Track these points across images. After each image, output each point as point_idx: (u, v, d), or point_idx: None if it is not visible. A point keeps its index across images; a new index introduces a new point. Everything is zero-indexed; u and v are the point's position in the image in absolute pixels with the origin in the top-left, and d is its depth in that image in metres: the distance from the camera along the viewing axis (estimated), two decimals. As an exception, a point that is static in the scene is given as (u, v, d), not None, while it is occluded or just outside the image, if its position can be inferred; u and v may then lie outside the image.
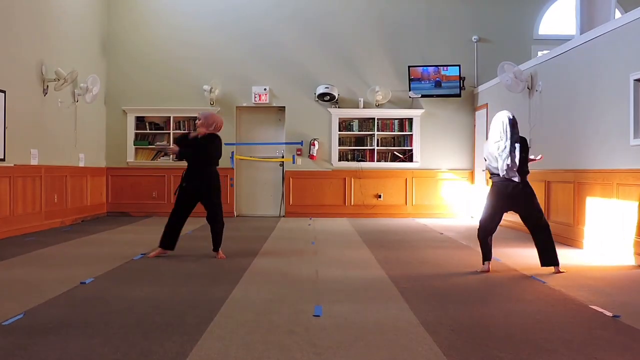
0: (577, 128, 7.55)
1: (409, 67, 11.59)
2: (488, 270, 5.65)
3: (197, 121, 6.46)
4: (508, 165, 5.44)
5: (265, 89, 11.78)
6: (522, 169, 5.55)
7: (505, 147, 5.46)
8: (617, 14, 10.30)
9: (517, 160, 5.45)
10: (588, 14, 8.81)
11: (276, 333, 3.52)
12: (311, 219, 11.40)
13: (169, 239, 6.42)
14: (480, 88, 11.52)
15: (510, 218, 9.62)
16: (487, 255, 5.72)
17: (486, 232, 5.72)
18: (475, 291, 4.76)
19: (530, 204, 5.63)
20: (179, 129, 11.91)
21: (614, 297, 4.54)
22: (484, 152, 5.73)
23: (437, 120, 11.79)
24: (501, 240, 8.08)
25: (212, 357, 3.09)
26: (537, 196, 5.71)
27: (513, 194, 5.56)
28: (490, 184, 5.76)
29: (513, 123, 5.51)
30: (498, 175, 5.56)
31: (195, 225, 9.78)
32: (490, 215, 5.70)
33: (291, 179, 11.85)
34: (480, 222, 5.78)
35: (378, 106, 11.82)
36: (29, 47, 8.88)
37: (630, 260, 6.19)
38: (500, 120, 5.55)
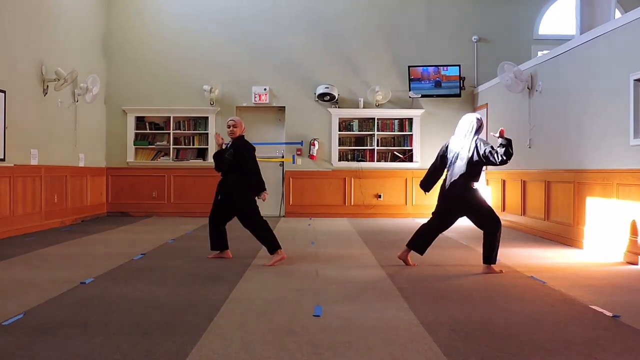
0: (577, 128, 7.55)
1: (409, 67, 11.59)
2: (406, 259, 5.91)
3: (233, 128, 6.17)
4: (463, 166, 5.55)
5: (265, 89, 11.78)
6: (469, 174, 5.57)
7: (464, 148, 5.59)
8: (617, 14, 10.30)
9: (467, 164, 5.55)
10: (588, 14, 8.81)
11: (276, 333, 3.52)
12: (311, 219, 11.40)
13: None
14: (480, 88, 11.52)
15: (510, 218, 9.64)
16: (410, 243, 5.89)
17: (426, 223, 5.89)
18: (475, 291, 4.76)
19: (472, 209, 5.64)
20: (179, 129, 11.92)
21: (614, 297, 4.54)
22: (449, 147, 5.77)
23: (437, 120, 11.79)
24: (501, 240, 8.06)
25: (212, 357, 3.09)
26: (484, 199, 5.77)
27: (453, 195, 5.64)
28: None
29: (479, 126, 5.65)
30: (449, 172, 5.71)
31: (195, 225, 9.79)
32: (437, 210, 5.86)
33: (291, 179, 11.85)
34: (432, 215, 5.93)
35: (378, 106, 11.83)
36: (29, 47, 8.88)
37: (631, 260, 6.19)
38: (464, 124, 5.71)
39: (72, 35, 10.35)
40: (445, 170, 5.84)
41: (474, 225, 5.81)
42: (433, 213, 5.93)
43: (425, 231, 5.92)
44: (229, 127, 6.20)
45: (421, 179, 6.08)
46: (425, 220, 6.07)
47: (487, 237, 5.61)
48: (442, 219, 5.86)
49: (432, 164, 5.98)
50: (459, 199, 5.65)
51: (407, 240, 6.03)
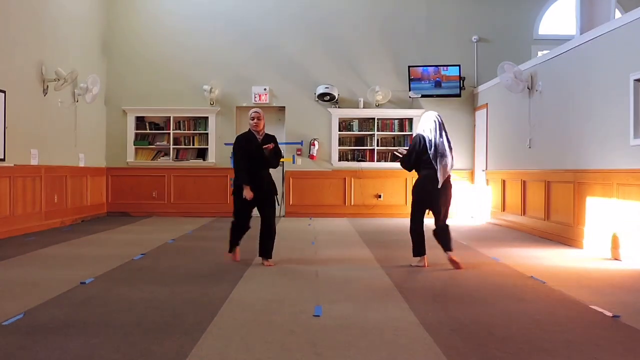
0: (577, 128, 7.55)
1: (409, 67, 11.59)
2: (425, 266, 5.92)
3: (257, 120, 5.88)
4: (452, 162, 5.83)
5: (265, 89, 11.78)
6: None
7: (448, 144, 5.82)
8: (617, 14, 10.30)
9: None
10: (588, 14, 8.81)
11: (276, 333, 3.52)
12: (311, 219, 11.40)
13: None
14: (480, 88, 11.52)
15: (510, 218, 9.64)
16: (423, 250, 5.96)
17: (420, 225, 5.96)
18: (475, 291, 4.76)
19: (445, 201, 5.88)
20: (179, 129, 11.92)
21: (614, 297, 4.54)
22: (428, 143, 5.82)
23: (437, 120, 11.77)
24: (501, 241, 8.08)
25: (212, 357, 3.09)
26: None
27: (442, 189, 5.83)
28: (419, 176, 5.95)
29: (442, 122, 5.92)
30: (431, 168, 5.78)
31: (195, 225, 9.79)
32: (422, 209, 5.97)
33: (291, 179, 11.85)
34: (415, 217, 5.97)
35: (378, 106, 11.83)
36: (29, 47, 8.88)
37: (635, 263, 6.19)
38: (432, 119, 5.87)
39: (72, 35, 10.34)
40: (418, 164, 5.93)
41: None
42: (417, 212, 5.98)
43: (420, 234, 5.99)
44: (252, 119, 5.88)
45: (404, 163, 6.11)
46: (426, 220, 6.05)
47: (446, 230, 5.86)
48: (424, 213, 6.02)
49: (414, 156, 5.91)
50: (446, 192, 5.89)
51: (416, 251, 6.02)
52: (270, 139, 5.96)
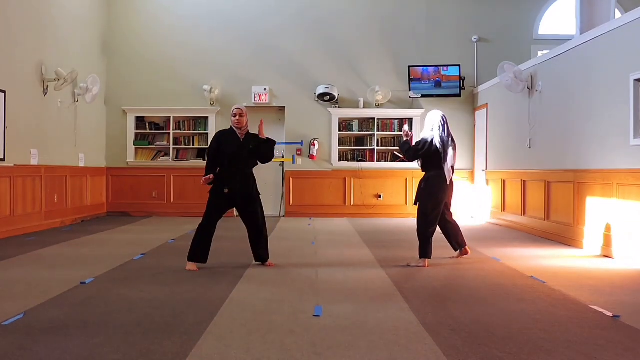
0: (577, 128, 7.55)
1: (409, 67, 11.59)
2: (425, 266, 5.89)
3: (239, 117, 5.64)
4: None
5: (265, 89, 11.78)
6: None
7: (453, 142, 6.01)
8: (617, 14, 10.30)
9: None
10: (588, 14, 8.81)
11: (276, 333, 3.52)
12: (311, 219, 11.40)
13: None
14: (480, 88, 11.52)
15: (510, 218, 9.64)
16: (430, 252, 5.97)
17: (434, 227, 6.01)
18: (475, 291, 4.76)
19: (451, 196, 6.17)
20: (179, 129, 11.92)
21: (614, 297, 4.54)
22: (436, 142, 5.91)
23: (437, 120, 11.77)
24: (501, 241, 8.08)
25: (212, 357, 3.09)
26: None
27: (451, 187, 6.08)
28: (428, 177, 6.00)
29: (447, 121, 6.07)
30: (441, 168, 5.92)
31: (195, 225, 9.77)
32: (440, 209, 6.03)
33: (291, 179, 11.85)
34: (432, 217, 5.95)
35: (378, 106, 11.83)
36: (29, 47, 8.88)
37: (635, 263, 6.19)
38: (438, 118, 5.98)
39: (72, 35, 10.34)
40: (423, 162, 6.05)
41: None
42: (436, 213, 5.99)
43: (432, 236, 5.98)
44: (234, 115, 5.64)
45: (408, 152, 6.12)
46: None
47: (457, 225, 6.29)
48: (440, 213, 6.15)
49: (421, 153, 5.97)
50: (452, 188, 6.11)
51: (425, 253, 5.97)
52: (252, 138, 5.72)
